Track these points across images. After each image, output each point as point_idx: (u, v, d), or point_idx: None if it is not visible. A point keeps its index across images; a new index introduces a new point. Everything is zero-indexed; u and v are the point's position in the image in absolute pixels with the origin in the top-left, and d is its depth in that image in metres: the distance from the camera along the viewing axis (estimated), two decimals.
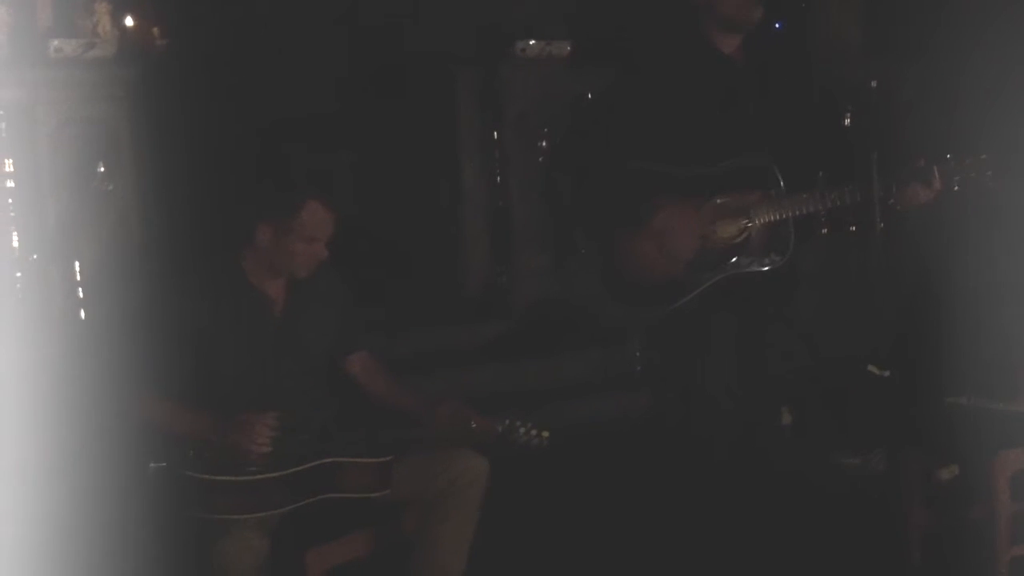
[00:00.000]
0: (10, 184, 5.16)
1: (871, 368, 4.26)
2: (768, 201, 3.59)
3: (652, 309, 3.71)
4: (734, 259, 3.61)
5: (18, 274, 5.18)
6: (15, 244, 5.17)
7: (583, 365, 5.92)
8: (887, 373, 3.71)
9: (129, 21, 5.47)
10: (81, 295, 5.25)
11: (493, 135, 6.36)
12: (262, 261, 3.37)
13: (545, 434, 3.38)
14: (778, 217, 3.58)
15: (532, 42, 6.25)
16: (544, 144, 6.25)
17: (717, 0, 3.65)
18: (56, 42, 5.18)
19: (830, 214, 4.33)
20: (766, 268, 3.60)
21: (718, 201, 3.61)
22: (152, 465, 3.11)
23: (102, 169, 5.29)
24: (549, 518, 4.43)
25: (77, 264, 5.24)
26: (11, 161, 5.16)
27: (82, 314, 5.25)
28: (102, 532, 3.40)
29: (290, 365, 3.39)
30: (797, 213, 3.58)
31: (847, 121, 6.06)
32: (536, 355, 5.86)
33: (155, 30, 5.73)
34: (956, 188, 3.56)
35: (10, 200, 5.16)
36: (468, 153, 6.39)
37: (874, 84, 6.33)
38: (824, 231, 6.53)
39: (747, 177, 3.60)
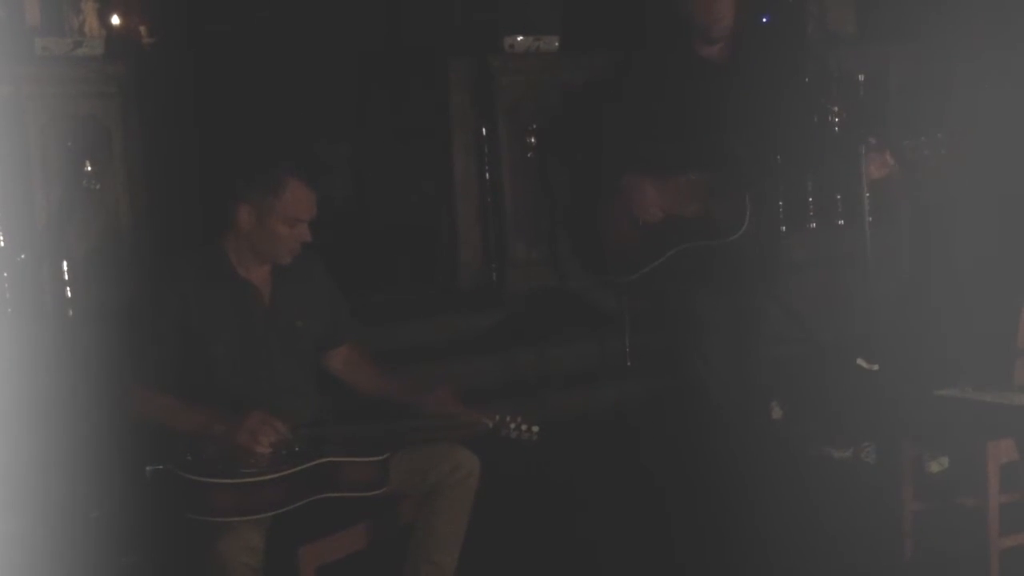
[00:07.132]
0: None
1: (860, 361, 4.27)
2: (727, 180, 3.80)
3: (621, 276, 4.06)
4: (695, 231, 3.85)
5: (5, 273, 5.16)
6: (2, 243, 5.16)
7: (576, 356, 5.91)
8: (876, 366, 3.73)
9: (116, 19, 5.46)
10: (69, 294, 5.24)
11: (483, 127, 6.36)
12: (246, 247, 3.33)
13: (535, 428, 3.38)
14: (736, 193, 3.79)
15: (520, 38, 6.24)
16: (533, 140, 6.26)
17: (688, 13, 3.89)
18: (43, 40, 5.17)
19: (816, 205, 4.37)
20: (724, 240, 3.81)
21: (682, 179, 3.86)
22: (148, 468, 3.09)
23: (89, 168, 5.28)
24: (542, 509, 4.42)
25: (65, 263, 5.23)
26: None
27: (70, 313, 5.23)
28: (99, 533, 3.39)
29: (281, 354, 3.36)
30: (754, 190, 3.80)
31: (835, 117, 6.08)
32: (529, 345, 5.85)
33: (142, 28, 5.72)
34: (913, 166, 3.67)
35: None
36: (460, 144, 6.39)
37: (861, 78, 6.35)
38: (812, 225, 6.57)
39: (713, 158, 3.82)
